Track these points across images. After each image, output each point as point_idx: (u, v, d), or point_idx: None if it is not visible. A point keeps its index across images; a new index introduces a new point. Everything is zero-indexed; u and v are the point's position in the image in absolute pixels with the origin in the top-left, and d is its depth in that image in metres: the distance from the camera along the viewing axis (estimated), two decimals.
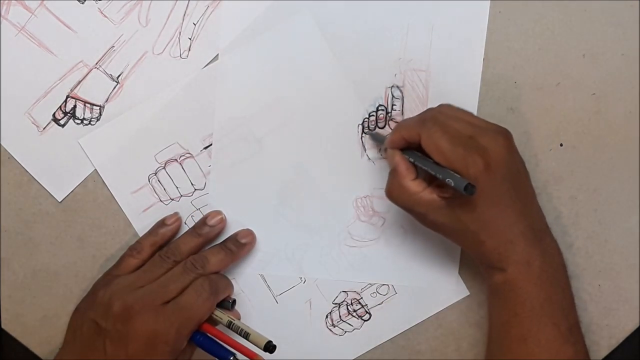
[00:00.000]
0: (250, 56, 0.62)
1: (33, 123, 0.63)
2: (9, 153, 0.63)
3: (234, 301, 0.61)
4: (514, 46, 0.62)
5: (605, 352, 0.64)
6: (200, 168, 0.63)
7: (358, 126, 0.63)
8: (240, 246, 0.62)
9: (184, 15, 0.62)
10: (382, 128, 0.63)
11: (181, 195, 0.64)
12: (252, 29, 0.62)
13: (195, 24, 0.62)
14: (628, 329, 0.64)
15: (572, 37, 0.62)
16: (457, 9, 0.61)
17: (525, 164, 0.58)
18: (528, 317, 0.55)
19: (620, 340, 0.64)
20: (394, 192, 0.57)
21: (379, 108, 0.62)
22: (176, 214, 0.63)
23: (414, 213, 0.57)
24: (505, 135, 0.56)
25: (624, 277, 0.64)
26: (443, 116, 0.56)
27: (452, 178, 0.53)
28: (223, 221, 0.63)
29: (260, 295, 0.64)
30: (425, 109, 0.58)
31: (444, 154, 0.54)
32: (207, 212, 0.63)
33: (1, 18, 0.61)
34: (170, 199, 0.64)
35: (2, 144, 0.63)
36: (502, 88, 0.63)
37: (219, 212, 0.63)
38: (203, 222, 0.62)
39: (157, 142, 0.63)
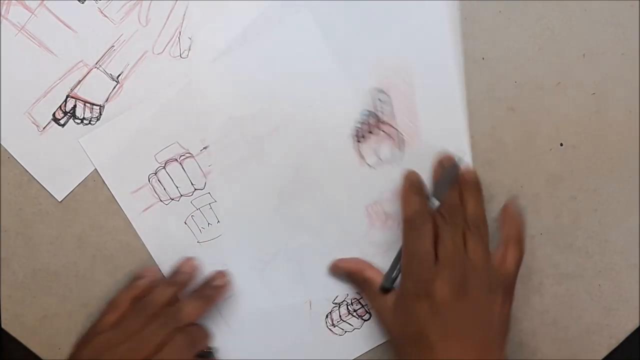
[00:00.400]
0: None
1: (33, 123, 0.63)
2: (9, 153, 0.63)
3: (212, 352, 0.62)
4: (514, 46, 0.62)
5: (605, 352, 0.64)
6: (201, 168, 0.63)
7: (353, 137, 0.63)
8: (215, 290, 0.62)
9: (184, 15, 0.62)
10: (373, 133, 0.63)
11: (181, 195, 0.64)
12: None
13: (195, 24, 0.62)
14: (628, 329, 0.64)
15: (572, 37, 0.62)
16: (425, 7, 0.61)
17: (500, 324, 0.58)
18: None
19: (620, 340, 0.64)
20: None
21: (368, 114, 0.62)
22: (153, 268, 0.63)
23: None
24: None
25: (624, 277, 0.64)
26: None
27: (389, 273, 0.60)
28: (197, 268, 0.63)
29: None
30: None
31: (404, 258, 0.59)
32: (181, 260, 0.63)
33: (1, 18, 0.61)
34: (171, 198, 0.64)
35: (2, 144, 0.63)
36: (502, 88, 0.63)
37: (191, 259, 0.63)
38: (176, 270, 0.62)
39: (157, 142, 0.63)
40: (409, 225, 0.59)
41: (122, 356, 0.56)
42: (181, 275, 0.62)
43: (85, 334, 0.60)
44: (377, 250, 0.64)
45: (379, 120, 0.62)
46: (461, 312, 0.55)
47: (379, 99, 0.62)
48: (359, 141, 0.63)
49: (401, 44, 0.62)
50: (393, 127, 0.62)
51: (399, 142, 0.63)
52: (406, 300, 0.58)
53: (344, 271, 0.63)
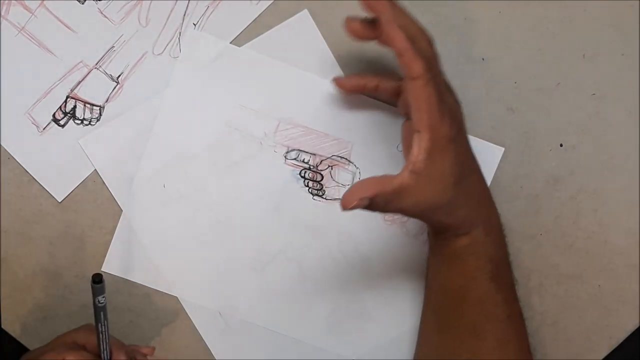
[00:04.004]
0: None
1: (33, 123, 0.62)
2: (9, 153, 0.63)
3: None
4: (514, 46, 0.62)
5: (605, 352, 0.64)
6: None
7: (310, 194, 0.64)
8: None
9: (184, 15, 0.62)
10: (323, 178, 0.63)
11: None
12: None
13: (195, 24, 0.62)
14: (628, 329, 0.64)
15: (572, 37, 0.62)
16: None
17: None
18: (487, 279, 0.56)
19: (620, 340, 0.64)
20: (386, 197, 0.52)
21: (303, 172, 0.63)
22: (92, 340, 0.56)
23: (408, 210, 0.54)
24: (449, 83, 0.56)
25: (624, 277, 0.64)
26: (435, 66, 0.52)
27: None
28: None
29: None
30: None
31: (431, 109, 0.50)
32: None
33: (1, 18, 0.61)
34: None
35: (2, 144, 0.63)
36: (502, 88, 0.63)
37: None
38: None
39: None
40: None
41: None
42: None
43: None
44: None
45: (315, 169, 0.63)
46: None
47: (296, 158, 0.63)
48: (321, 195, 0.63)
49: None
50: (327, 157, 0.63)
51: (342, 161, 0.63)
52: (445, 145, 0.52)
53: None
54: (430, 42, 0.52)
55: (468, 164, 0.55)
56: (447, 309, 0.58)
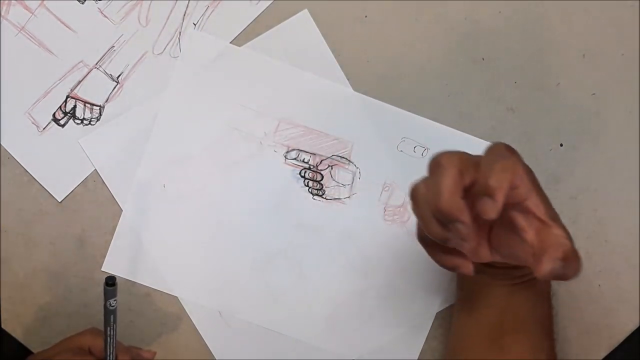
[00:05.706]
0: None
1: (33, 123, 0.63)
2: (9, 153, 0.63)
3: None
4: (513, 46, 0.62)
5: (605, 352, 0.64)
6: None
7: (311, 195, 0.63)
8: None
9: (184, 15, 0.62)
10: (323, 178, 0.63)
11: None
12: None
13: (195, 24, 0.62)
14: (628, 329, 0.64)
15: (572, 37, 0.62)
16: None
17: None
18: (547, 298, 0.58)
19: (620, 340, 0.64)
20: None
21: (303, 172, 0.63)
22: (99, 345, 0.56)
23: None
24: None
25: (624, 277, 0.64)
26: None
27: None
28: None
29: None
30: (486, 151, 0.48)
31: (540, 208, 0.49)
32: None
33: (1, 18, 0.61)
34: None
35: (2, 144, 0.63)
36: (502, 88, 0.63)
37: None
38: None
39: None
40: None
41: None
42: None
43: None
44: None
45: (315, 169, 0.63)
46: None
47: (296, 158, 0.63)
48: (321, 195, 0.63)
49: None
50: (327, 157, 0.63)
51: (342, 161, 0.63)
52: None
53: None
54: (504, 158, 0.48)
55: None
56: (534, 337, 0.57)
